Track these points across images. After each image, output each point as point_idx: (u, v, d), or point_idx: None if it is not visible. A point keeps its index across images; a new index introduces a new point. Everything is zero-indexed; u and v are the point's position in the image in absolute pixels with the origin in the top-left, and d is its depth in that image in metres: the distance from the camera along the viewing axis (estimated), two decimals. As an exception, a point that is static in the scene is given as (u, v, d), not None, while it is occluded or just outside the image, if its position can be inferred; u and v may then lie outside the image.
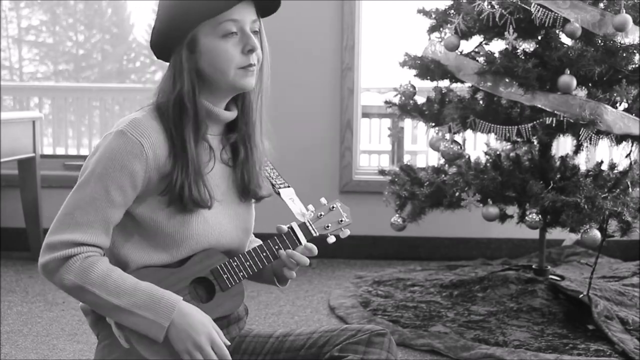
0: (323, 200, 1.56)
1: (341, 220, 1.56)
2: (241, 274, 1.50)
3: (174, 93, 1.44)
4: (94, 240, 1.41)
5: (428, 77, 3.04)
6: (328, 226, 1.54)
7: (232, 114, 1.51)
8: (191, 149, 1.43)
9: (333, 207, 1.56)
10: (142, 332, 1.41)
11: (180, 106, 1.43)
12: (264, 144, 1.57)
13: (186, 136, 1.43)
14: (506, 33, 2.74)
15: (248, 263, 1.50)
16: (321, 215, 1.54)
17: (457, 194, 2.83)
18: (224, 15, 1.41)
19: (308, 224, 1.53)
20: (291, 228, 1.52)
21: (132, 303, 1.39)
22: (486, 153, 3.19)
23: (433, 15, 3.04)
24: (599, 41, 2.76)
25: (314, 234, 1.54)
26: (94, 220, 1.40)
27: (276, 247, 1.51)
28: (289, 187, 1.60)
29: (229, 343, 1.46)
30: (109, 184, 1.40)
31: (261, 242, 1.54)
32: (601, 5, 2.78)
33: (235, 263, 1.50)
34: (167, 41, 1.45)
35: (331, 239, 1.55)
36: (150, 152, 1.41)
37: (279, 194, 1.58)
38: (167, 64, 1.48)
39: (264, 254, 1.51)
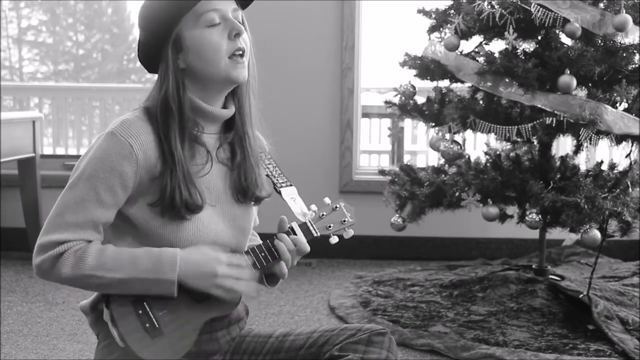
0: (327, 200, 1.55)
1: (344, 221, 1.54)
2: None
3: (159, 96, 1.44)
4: (83, 237, 1.41)
5: (428, 77, 3.05)
6: (330, 226, 1.53)
7: (228, 112, 1.51)
8: (178, 152, 1.42)
9: (336, 207, 1.54)
10: (157, 294, 1.41)
11: (166, 109, 1.43)
12: (258, 138, 1.57)
13: (172, 140, 1.42)
14: (506, 33, 2.74)
15: None
16: (323, 215, 1.53)
17: (457, 194, 2.83)
18: (204, 5, 1.41)
19: (309, 224, 1.51)
20: (291, 228, 1.50)
21: (135, 271, 1.39)
22: (486, 153, 3.19)
23: (433, 15, 3.04)
24: (599, 41, 2.76)
25: (315, 234, 1.52)
26: (83, 220, 1.41)
27: (275, 247, 1.49)
28: (291, 185, 1.58)
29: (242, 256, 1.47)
30: (98, 185, 1.40)
31: (260, 242, 1.53)
32: (601, 5, 2.78)
33: None
34: (153, 48, 1.45)
35: (334, 240, 1.53)
36: (140, 153, 1.40)
37: (280, 193, 1.56)
38: None
39: (263, 254, 1.49)
